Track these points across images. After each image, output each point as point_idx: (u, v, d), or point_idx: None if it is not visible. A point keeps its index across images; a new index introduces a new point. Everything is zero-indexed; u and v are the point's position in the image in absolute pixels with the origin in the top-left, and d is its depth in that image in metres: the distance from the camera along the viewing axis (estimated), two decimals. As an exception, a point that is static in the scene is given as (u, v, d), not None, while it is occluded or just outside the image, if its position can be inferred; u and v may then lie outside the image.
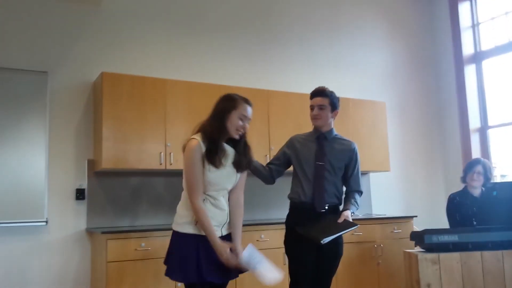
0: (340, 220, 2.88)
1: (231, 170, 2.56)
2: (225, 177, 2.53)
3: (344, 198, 3.11)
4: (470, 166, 3.98)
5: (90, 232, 4.07)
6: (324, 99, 3.03)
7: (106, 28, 4.43)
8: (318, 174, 2.97)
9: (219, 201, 2.54)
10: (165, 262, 2.56)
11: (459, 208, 3.90)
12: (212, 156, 2.45)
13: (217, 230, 2.51)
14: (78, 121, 4.21)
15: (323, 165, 2.98)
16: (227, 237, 2.58)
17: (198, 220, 2.44)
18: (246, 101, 2.62)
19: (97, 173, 4.17)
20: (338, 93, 5.23)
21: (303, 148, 3.04)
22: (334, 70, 5.59)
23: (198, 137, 2.50)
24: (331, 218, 2.92)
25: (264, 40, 5.22)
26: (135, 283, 3.59)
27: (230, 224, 2.60)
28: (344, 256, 4.41)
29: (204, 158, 2.45)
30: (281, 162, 3.11)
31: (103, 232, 3.61)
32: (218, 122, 2.52)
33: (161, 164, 4.09)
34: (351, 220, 2.92)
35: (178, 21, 4.79)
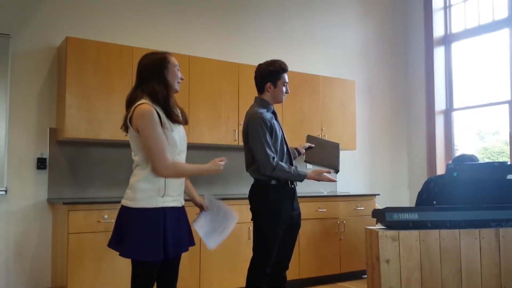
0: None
1: (182, 129, 2.52)
2: (182, 137, 2.49)
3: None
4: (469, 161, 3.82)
5: (51, 202, 3.97)
6: None
7: (72, -9, 4.24)
8: (288, 149, 3.03)
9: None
10: (117, 243, 2.38)
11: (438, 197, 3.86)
12: (170, 114, 2.38)
13: (177, 201, 2.42)
14: (40, 87, 4.06)
15: (285, 139, 3.06)
16: (183, 207, 2.52)
17: (180, 174, 2.40)
18: (170, 53, 2.52)
19: (59, 142, 4.05)
20: (309, 70, 5.29)
21: (275, 127, 2.95)
22: (306, 46, 5.56)
23: (146, 101, 2.36)
24: (321, 145, 3.21)
25: (236, 13, 5.12)
26: (97, 255, 3.54)
27: (185, 187, 2.57)
28: (308, 231, 4.53)
29: (164, 119, 2.35)
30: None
31: (64, 203, 3.53)
32: (163, 81, 2.40)
33: (126, 135, 3.98)
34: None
35: (148, -13, 4.63)
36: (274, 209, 2.90)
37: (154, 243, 2.28)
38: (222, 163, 2.46)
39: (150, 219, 2.30)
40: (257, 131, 2.86)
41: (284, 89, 3.01)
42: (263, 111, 2.95)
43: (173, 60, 2.47)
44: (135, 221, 2.31)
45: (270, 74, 2.98)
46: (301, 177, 2.91)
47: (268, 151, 2.85)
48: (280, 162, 2.87)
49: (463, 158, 3.92)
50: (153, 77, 2.39)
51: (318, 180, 2.97)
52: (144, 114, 2.29)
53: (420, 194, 4.04)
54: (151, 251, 2.28)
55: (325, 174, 2.95)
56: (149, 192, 2.33)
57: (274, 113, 3.04)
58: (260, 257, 2.92)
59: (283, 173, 2.86)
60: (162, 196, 2.34)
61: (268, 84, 2.99)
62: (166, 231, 2.32)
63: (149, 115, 2.29)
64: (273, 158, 2.85)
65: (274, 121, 2.98)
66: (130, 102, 2.42)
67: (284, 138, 3.02)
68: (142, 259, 2.32)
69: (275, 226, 2.89)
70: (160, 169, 2.30)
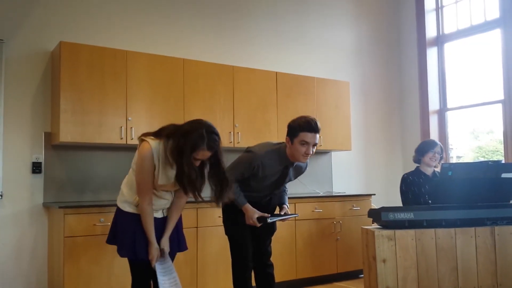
0: (283, 212, 3.16)
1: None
2: (170, 185, 2.53)
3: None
4: (429, 146, 4.09)
5: (47, 206, 3.96)
6: (318, 136, 2.87)
7: (65, -5, 4.24)
8: (272, 194, 3.15)
9: (162, 193, 2.57)
10: (110, 237, 2.62)
11: (412, 186, 4.02)
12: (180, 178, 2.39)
13: (158, 212, 2.57)
14: (35, 92, 4.05)
15: (278, 188, 3.14)
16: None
17: (142, 219, 2.48)
18: (209, 145, 2.38)
19: (54, 146, 4.04)
20: (303, 71, 5.31)
21: (268, 175, 2.96)
22: (300, 48, 5.58)
23: (154, 144, 2.42)
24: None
25: (230, 16, 5.13)
26: (93, 259, 3.54)
27: (168, 212, 2.63)
28: (304, 232, 4.55)
29: (158, 168, 2.42)
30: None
31: (60, 207, 3.52)
32: (184, 152, 2.35)
33: (121, 138, 4.00)
34: (289, 213, 3.20)
35: (141, -9, 4.63)
36: (233, 209, 3.01)
37: (125, 242, 2.50)
38: (153, 262, 2.48)
39: (124, 220, 2.54)
40: (240, 160, 2.99)
41: (301, 148, 2.82)
42: (269, 158, 2.92)
43: (202, 154, 2.38)
44: (115, 218, 2.61)
45: (289, 129, 2.90)
46: (238, 205, 2.97)
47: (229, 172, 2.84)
48: (236, 186, 2.92)
49: (425, 143, 4.24)
50: (182, 139, 2.36)
51: (247, 219, 2.98)
52: (140, 156, 2.42)
53: (404, 193, 4.07)
54: (123, 249, 2.52)
55: (252, 220, 2.94)
56: (125, 197, 2.56)
57: (286, 167, 2.97)
58: (233, 252, 3.07)
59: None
60: (136, 205, 2.52)
61: (286, 139, 2.91)
62: (136, 236, 2.48)
63: (142, 161, 2.40)
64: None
65: (274, 172, 2.96)
66: (159, 131, 2.48)
67: (278, 185, 3.08)
68: (119, 254, 2.56)
69: (236, 223, 3.04)
70: (139, 200, 2.48)
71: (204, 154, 2.38)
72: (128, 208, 2.53)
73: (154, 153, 2.40)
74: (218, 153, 2.43)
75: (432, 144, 4.12)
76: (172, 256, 2.63)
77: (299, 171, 3.15)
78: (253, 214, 2.94)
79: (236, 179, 2.92)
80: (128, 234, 2.50)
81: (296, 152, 2.84)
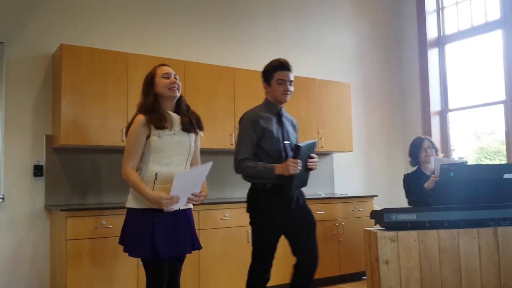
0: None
1: (181, 135, 2.58)
2: (175, 143, 2.55)
3: None
4: (417, 147, 4.05)
5: (48, 209, 3.96)
6: (292, 74, 2.95)
7: (66, -2, 4.24)
8: (286, 154, 2.88)
9: (172, 174, 2.49)
10: (121, 241, 2.56)
11: (413, 185, 3.99)
12: (159, 122, 2.50)
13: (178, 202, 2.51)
14: (36, 95, 4.05)
15: (289, 144, 2.92)
16: (186, 212, 2.61)
17: (128, 182, 2.48)
18: (161, 64, 2.72)
19: (55, 149, 4.04)
20: (304, 73, 5.31)
21: (268, 128, 2.87)
22: (301, 49, 5.58)
23: (140, 113, 2.57)
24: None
25: (231, 18, 5.13)
26: (96, 261, 3.53)
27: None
28: (306, 234, 4.51)
29: (152, 127, 2.50)
30: (254, 151, 2.88)
31: (62, 210, 3.51)
32: (150, 94, 2.59)
33: (123, 141, 3.99)
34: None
35: (142, -7, 4.64)
36: (266, 213, 2.82)
37: (140, 241, 2.44)
38: (168, 205, 2.42)
39: (137, 219, 2.49)
40: (240, 130, 2.91)
41: (279, 87, 2.88)
42: (259, 110, 2.94)
43: (160, 70, 2.63)
44: (127, 220, 2.55)
45: (264, 74, 2.98)
46: (269, 171, 2.75)
47: (240, 151, 2.83)
48: (248, 160, 2.81)
49: (413, 145, 4.13)
50: (144, 94, 2.65)
51: (287, 174, 2.70)
52: (134, 122, 2.55)
53: (408, 189, 4.05)
54: (138, 249, 2.46)
55: (291, 164, 2.67)
56: (137, 194, 2.50)
57: (278, 114, 2.95)
58: (257, 261, 2.88)
59: (250, 169, 2.80)
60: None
61: (264, 85, 2.99)
62: (154, 232, 2.44)
63: (134, 125, 2.53)
64: (243, 159, 2.81)
65: (273, 122, 2.90)
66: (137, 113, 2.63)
67: (284, 138, 2.89)
68: (131, 256, 2.53)
69: (267, 230, 2.83)
70: (122, 169, 2.53)
71: (164, 69, 2.63)
72: (141, 205, 2.47)
73: (147, 121, 2.51)
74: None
75: (419, 143, 4.07)
76: (187, 253, 2.61)
77: (294, 127, 3.07)
78: (286, 161, 2.69)
79: (250, 151, 2.82)
80: (144, 231, 2.43)
81: (275, 92, 2.91)
